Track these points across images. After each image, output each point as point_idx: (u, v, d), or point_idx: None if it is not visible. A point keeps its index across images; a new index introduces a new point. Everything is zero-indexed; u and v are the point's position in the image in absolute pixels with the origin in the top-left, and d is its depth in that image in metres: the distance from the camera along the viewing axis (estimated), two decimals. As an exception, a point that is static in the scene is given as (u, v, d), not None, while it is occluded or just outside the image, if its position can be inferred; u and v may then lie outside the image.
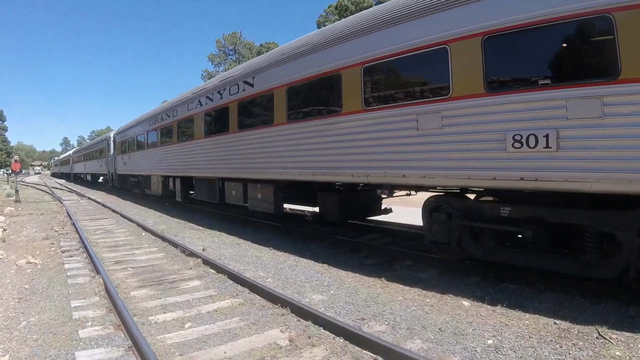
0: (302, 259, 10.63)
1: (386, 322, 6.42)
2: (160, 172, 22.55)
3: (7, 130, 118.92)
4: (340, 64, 9.99)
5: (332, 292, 7.95)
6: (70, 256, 11.25)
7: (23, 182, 64.96)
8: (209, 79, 33.17)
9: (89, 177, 52.54)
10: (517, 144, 6.71)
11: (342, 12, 55.37)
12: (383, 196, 11.00)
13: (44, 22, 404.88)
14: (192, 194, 20.23)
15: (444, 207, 8.62)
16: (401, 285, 8.13)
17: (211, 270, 9.53)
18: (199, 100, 17.09)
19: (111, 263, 10.47)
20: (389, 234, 12.96)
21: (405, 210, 15.00)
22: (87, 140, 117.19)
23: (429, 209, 8.99)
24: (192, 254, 10.80)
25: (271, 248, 11.84)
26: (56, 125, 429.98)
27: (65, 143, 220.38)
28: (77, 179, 62.77)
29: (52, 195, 34.79)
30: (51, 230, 15.45)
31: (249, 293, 7.95)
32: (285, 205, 14.73)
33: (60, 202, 26.99)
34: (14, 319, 7.02)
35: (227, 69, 44.23)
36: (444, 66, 7.69)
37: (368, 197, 12.40)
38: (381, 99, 9.16)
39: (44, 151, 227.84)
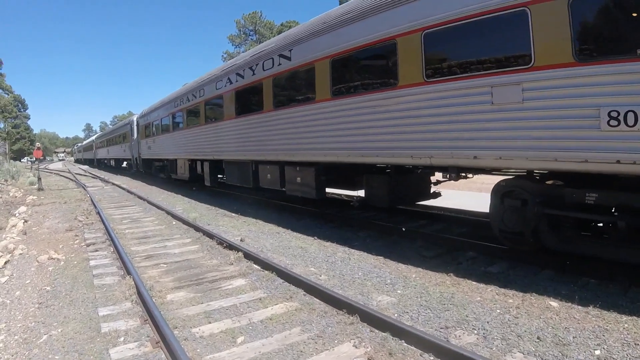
0: (352, 250, 9.49)
1: (475, 331, 5.37)
2: (187, 155, 21.44)
3: (29, 119, 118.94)
4: (395, 31, 8.75)
5: (399, 291, 6.87)
6: (96, 250, 10.20)
7: (47, 169, 65.04)
8: (230, 59, 31.85)
9: (112, 163, 52.03)
10: (613, 122, 5.70)
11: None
12: (442, 179, 9.93)
13: (64, 10, 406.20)
14: (222, 178, 19.32)
15: (518, 193, 7.67)
16: (474, 282, 7.11)
17: (255, 265, 8.40)
18: (229, 78, 15.89)
19: (141, 258, 9.38)
20: (438, 220, 11.91)
21: (448, 193, 13.80)
22: (109, 126, 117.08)
23: (500, 194, 7.93)
24: (230, 246, 9.70)
25: (315, 237, 10.71)
26: (78, 112, 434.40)
27: (88, 129, 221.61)
28: (101, 164, 62.37)
29: (75, 182, 34.02)
30: (75, 221, 14.46)
31: (304, 295, 6.82)
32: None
33: (84, 189, 26.12)
34: (33, 331, 5.97)
35: (248, 50, 42.90)
36: (524, 31, 6.60)
37: (418, 179, 11.29)
38: (446, 70, 7.98)
39: (67, 138, 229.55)
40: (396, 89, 8.84)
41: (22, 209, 17.44)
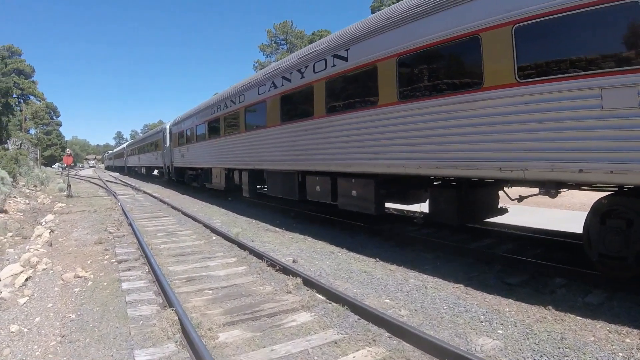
0: (425, 276, 8.10)
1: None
2: (223, 164, 20.24)
3: (61, 126, 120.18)
4: (478, 25, 7.51)
5: (500, 331, 5.64)
6: (129, 269, 8.96)
7: (77, 175, 64.97)
8: (261, 69, 30.44)
9: (143, 170, 51.43)
10: None
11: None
12: (526, 195, 8.78)
13: (96, 19, 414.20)
14: (261, 188, 18.33)
15: (622, 212, 6.60)
16: (579, 317, 5.97)
17: (319, 295, 7.00)
18: (273, 82, 14.64)
19: (181, 282, 8.08)
20: (506, 240, 10.47)
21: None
22: (139, 134, 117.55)
23: (600, 213, 6.82)
24: (284, 269, 8.38)
25: (377, 259, 9.34)
26: (109, 120, 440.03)
27: (119, 137, 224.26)
28: (132, 172, 62.01)
29: (105, 189, 33.15)
30: (105, 232, 13.30)
31: (390, 337, 5.45)
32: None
33: (115, 197, 25.15)
34: (52, 380, 4.66)
35: (279, 59, 41.83)
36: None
37: (489, 194, 9.98)
38: (543, 69, 6.74)
39: (97, 145, 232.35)
40: (480, 91, 7.51)
41: (49, 217, 16.38)
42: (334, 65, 11.36)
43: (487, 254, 9.13)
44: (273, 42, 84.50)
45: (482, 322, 5.89)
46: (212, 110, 21.62)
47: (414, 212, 13.72)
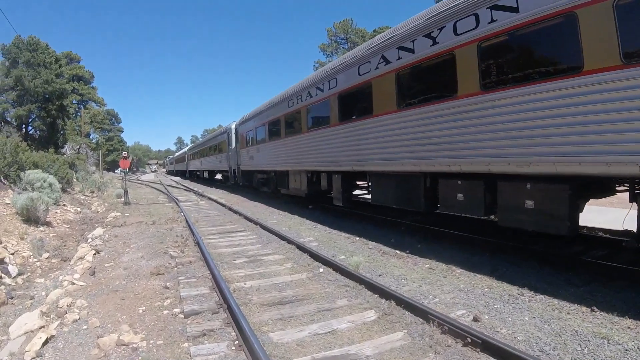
0: None
1: None
2: (305, 166, 16.58)
3: (122, 132, 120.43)
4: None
5: None
6: (203, 334, 5.48)
7: (138, 180, 63.40)
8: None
9: (205, 174, 48.80)
10: None
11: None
12: None
13: (154, 25, 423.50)
14: (357, 195, 15.07)
15: None
16: None
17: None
18: (383, 56, 10.93)
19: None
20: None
21: None
22: (199, 139, 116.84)
23: None
24: (482, 342, 4.72)
25: (615, 314, 5.68)
26: (170, 127, 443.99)
27: (180, 142, 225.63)
28: (193, 176, 59.63)
29: (167, 195, 30.11)
30: (165, 256, 9.92)
31: None
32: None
33: (177, 204, 21.96)
34: None
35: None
36: None
37: None
38: None
39: (159, 150, 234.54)
40: None
41: (98, 231, 13.13)
42: (493, 21, 7.66)
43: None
44: (333, 41, 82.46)
45: None
46: (289, 103, 18.05)
47: (601, 230, 9.80)
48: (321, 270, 8.28)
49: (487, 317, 5.75)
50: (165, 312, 6.34)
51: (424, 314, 5.60)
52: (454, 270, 8.00)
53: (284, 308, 6.31)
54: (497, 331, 5.29)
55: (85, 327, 5.92)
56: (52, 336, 5.69)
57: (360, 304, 6.35)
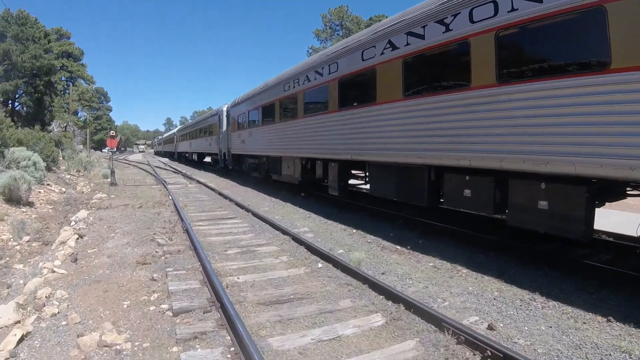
0: None
1: None
2: (300, 152, 16.05)
3: (111, 111, 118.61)
4: None
5: None
6: (194, 337, 4.97)
7: (126, 160, 62.49)
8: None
9: (195, 157, 47.91)
10: None
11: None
12: None
13: (146, 6, 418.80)
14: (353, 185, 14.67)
15: None
16: None
17: None
18: (390, 41, 10.40)
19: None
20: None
21: None
22: (189, 121, 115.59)
23: None
24: (494, 355, 4.36)
25: (610, 319, 5.55)
26: (159, 107, 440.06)
27: (169, 123, 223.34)
28: (182, 158, 58.61)
29: (154, 176, 29.40)
30: (152, 243, 9.39)
31: None
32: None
33: (164, 187, 21.33)
34: None
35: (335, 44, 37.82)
36: None
37: None
38: None
39: (147, 131, 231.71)
40: None
41: (82, 214, 12.49)
42: (514, 10, 7.20)
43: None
44: (328, 27, 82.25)
45: None
46: (286, 86, 17.43)
47: (604, 232, 9.46)
48: (320, 265, 7.79)
49: (501, 325, 5.34)
50: (152, 308, 5.82)
51: (436, 321, 5.14)
52: (459, 270, 7.57)
53: (282, 308, 5.81)
54: (515, 342, 4.87)
55: (64, 322, 5.41)
56: (29, 333, 5.18)
57: (365, 306, 5.87)
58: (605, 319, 5.55)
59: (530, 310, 5.88)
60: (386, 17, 57.00)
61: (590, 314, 5.74)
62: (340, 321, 5.40)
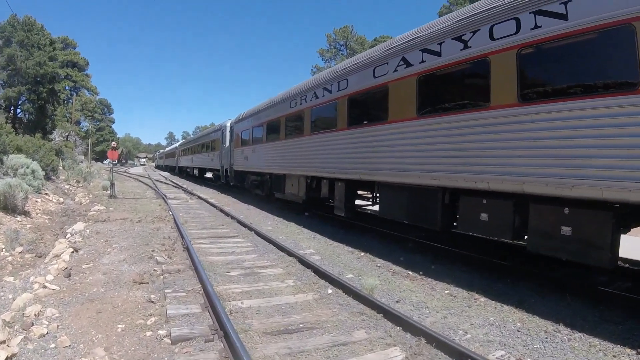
0: None
1: None
2: (305, 170, 15.58)
3: (114, 122, 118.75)
4: None
5: None
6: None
7: (127, 172, 62.10)
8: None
9: (196, 172, 47.43)
10: None
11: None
12: None
13: (152, 19, 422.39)
14: (360, 206, 14.15)
15: None
16: None
17: None
18: (404, 58, 10.05)
19: None
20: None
21: None
22: (191, 136, 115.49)
23: None
24: None
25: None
26: (162, 121, 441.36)
27: (170, 137, 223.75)
28: (182, 172, 58.12)
29: (155, 190, 28.94)
30: (150, 261, 8.94)
31: None
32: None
33: (165, 201, 20.91)
34: None
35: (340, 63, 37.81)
36: None
37: None
38: None
39: (149, 144, 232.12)
40: None
41: (79, 226, 12.05)
42: (537, 27, 6.92)
43: None
44: (333, 47, 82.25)
45: None
46: (292, 103, 17.09)
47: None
48: (329, 291, 7.32)
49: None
50: (149, 333, 5.37)
51: (462, 356, 4.69)
52: (477, 299, 7.14)
53: (291, 339, 5.34)
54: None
55: (53, 345, 4.97)
56: (14, 355, 4.75)
57: (381, 338, 5.41)
58: (635, 352, 5.25)
59: (557, 342, 5.50)
60: (391, 37, 57.22)
61: (619, 346, 5.41)
62: (355, 355, 4.94)
